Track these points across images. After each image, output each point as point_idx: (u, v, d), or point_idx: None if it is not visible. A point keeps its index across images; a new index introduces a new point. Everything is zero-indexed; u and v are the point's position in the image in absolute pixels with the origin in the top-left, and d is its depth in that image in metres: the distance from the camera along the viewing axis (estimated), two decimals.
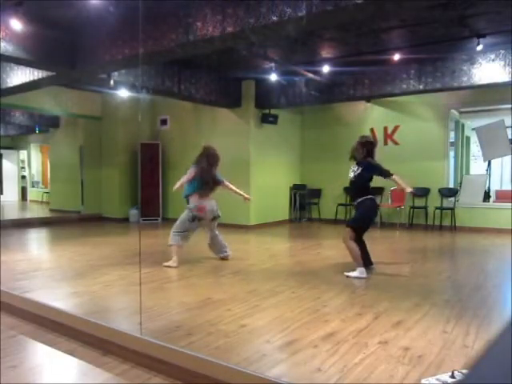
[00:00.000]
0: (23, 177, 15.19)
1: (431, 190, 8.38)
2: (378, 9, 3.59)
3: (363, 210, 4.53)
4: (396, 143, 8.63)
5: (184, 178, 4.89)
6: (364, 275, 4.39)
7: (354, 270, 4.44)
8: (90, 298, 3.70)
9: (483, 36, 5.52)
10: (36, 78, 6.02)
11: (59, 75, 5.88)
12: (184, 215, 4.98)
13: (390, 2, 3.51)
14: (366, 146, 4.57)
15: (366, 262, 4.59)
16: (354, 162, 4.63)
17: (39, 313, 3.07)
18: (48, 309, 3.06)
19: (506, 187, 10.14)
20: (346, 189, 9.05)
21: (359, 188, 4.57)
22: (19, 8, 4.45)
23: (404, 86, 6.98)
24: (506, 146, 6.98)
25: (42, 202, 13.67)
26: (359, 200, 4.52)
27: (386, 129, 8.76)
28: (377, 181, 4.68)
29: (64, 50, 5.29)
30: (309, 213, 9.77)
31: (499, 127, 7.00)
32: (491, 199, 9.35)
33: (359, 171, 4.49)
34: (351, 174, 4.58)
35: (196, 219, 4.95)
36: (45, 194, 13.57)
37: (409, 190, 4.41)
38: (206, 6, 4.15)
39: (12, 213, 11.82)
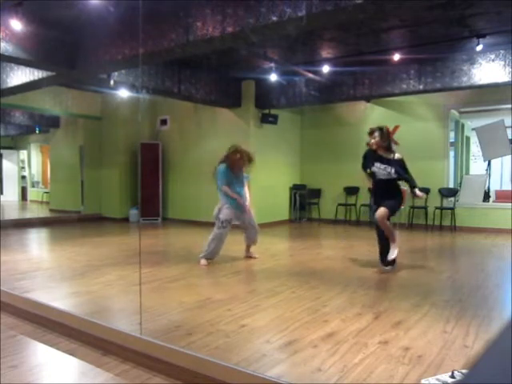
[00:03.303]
0: (23, 177, 15.17)
1: (431, 190, 8.37)
2: (378, 9, 3.59)
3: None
4: (396, 143, 8.58)
5: None
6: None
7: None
8: (90, 298, 3.70)
9: (483, 36, 5.52)
10: (36, 77, 6.02)
11: (59, 75, 5.87)
12: None
13: (390, 2, 3.51)
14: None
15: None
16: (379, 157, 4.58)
17: (39, 313, 3.07)
18: (48, 309, 3.06)
19: (506, 187, 10.14)
20: (346, 189, 9.07)
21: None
22: (19, 8, 4.45)
23: (404, 86, 6.97)
24: (505, 146, 6.98)
25: (41, 202, 13.66)
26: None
27: None
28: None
29: (64, 50, 5.29)
30: (309, 213, 9.77)
31: (499, 127, 7.00)
32: (491, 199, 9.35)
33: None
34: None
35: None
36: (45, 194, 13.56)
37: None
38: (206, 6, 4.15)
39: (12, 213, 11.81)
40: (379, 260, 4.73)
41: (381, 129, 4.56)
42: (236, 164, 5.09)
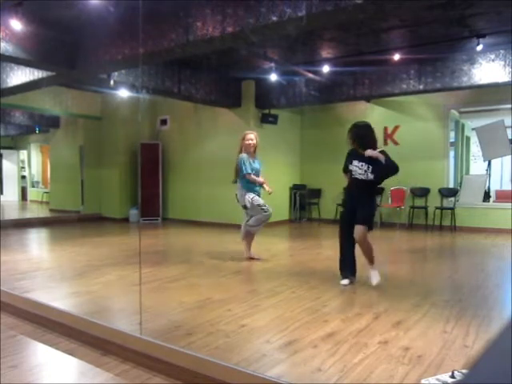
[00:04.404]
0: (23, 177, 15.18)
1: (431, 190, 8.37)
2: (378, 9, 3.59)
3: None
4: (396, 143, 8.63)
5: None
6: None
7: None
8: (90, 298, 3.70)
9: (483, 36, 5.52)
10: (36, 77, 6.01)
11: (59, 75, 5.88)
12: None
13: (390, 2, 3.51)
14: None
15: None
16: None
17: (39, 313, 3.07)
18: (48, 309, 3.06)
19: (506, 187, 10.14)
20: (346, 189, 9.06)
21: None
22: (19, 8, 4.45)
23: (404, 86, 6.97)
24: (506, 146, 6.98)
25: (41, 202, 13.66)
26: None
27: (386, 129, 8.76)
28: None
29: (64, 50, 5.29)
30: (309, 213, 9.77)
31: (499, 127, 7.00)
32: (491, 199, 9.35)
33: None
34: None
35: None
36: (45, 194, 13.57)
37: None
38: (205, 6, 4.15)
39: (12, 213, 11.81)
40: (339, 270, 4.19)
41: (356, 126, 4.26)
42: (247, 149, 5.15)
